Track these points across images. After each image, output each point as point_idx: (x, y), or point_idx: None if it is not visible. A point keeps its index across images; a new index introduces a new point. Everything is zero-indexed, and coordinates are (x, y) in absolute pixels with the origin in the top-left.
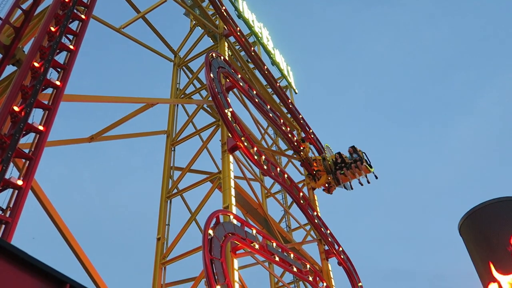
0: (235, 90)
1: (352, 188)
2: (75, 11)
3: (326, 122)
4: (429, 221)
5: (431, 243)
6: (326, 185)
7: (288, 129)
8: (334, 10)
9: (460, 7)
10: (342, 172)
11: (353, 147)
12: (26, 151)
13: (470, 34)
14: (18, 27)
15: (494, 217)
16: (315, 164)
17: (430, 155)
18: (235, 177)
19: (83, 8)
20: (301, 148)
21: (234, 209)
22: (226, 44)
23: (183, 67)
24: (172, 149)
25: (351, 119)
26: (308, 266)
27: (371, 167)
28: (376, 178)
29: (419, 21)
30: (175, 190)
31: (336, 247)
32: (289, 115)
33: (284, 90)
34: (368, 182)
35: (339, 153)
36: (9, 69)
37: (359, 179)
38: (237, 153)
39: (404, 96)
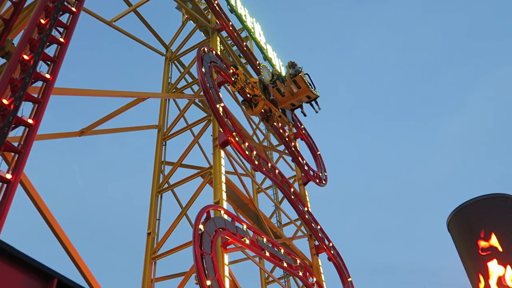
0: (226, 85)
1: (293, 121)
2: (65, 3)
3: (316, 118)
4: (418, 217)
5: (420, 238)
6: (263, 111)
7: (280, 124)
8: (325, 6)
9: (450, 5)
10: (274, 85)
11: (291, 62)
12: (15, 144)
13: (460, 31)
14: (7, 19)
15: (482, 213)
16: (250, 87)
17: (420, 152)
18: (226, 172)
19: (74, 0)
20: (232, 71)
21: (225, 204)
22: (218, 38)
23: (175, 61)
24: (163, 143)
25: (342, 115)
26: (298, 261)
27: (314, 88)
28: (319, 109)
29: (410, 18)
30: (166, 185)
31: (327, 242)
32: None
33: None
34: (316, 111)
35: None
36: None
37: (301, 106)
38: (228, 148)
39: (394, 92)
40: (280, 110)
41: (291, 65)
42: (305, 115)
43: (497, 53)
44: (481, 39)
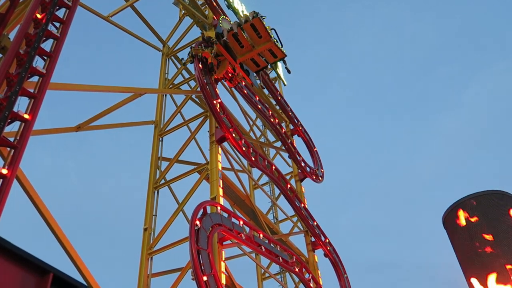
0: (223, 81)
1: (258, 80)
2: None
3: (311, 114)
4: (413, 214)
5: (416, 234)
6: (230, 74)
7: (277, 121)
8: (320, 3)
9: (444, 3)
10: (230, 30)
11: (254, 12)
12: (11, 139)
13: (454, 28)
14: (3, 13)
15: (477, 210)
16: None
17: (415, 148)
18: (223, 168)
19: None
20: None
21: (221, 200)
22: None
23: (172, 57)
24: (160, 139)
25: (336, 112)
26: (294, 257)
27: (281, 45)
28: (289, 72)
29: (404, 15)
30: (163, 181)
31: (323, 238)
32: (277, 107)
33: (273, 81)
34: (289, 71)
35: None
36: None
37: (266, 67)
38: (225, 144)
39: (389, 90)
40: (244, 70)
41: (254, 16)
42: (289, 71)
43: (491, 51)
44: (475, 37)
